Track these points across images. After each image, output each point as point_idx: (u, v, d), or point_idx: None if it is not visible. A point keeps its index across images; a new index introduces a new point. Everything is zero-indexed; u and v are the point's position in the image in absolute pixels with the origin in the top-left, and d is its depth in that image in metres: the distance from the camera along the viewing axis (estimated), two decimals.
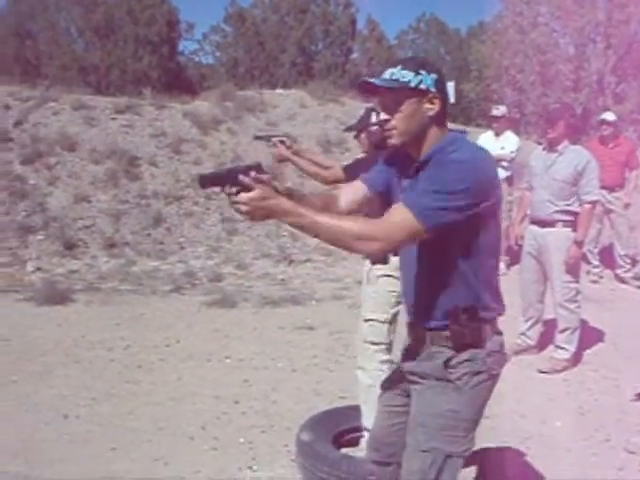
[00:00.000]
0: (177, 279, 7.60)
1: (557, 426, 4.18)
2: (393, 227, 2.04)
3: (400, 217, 2.03)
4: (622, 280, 8.02)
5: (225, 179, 2.01)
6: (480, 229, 2.12)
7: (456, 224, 2.04)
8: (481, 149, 2.23)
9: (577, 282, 5.18)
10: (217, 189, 2.04)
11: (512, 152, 7.86)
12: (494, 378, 2.23)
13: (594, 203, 5.08)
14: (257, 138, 4.75)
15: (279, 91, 13.02)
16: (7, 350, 5.33)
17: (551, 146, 5.15)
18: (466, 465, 3.31)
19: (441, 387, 2.20)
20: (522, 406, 4.43)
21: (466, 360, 2.18)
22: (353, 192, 2.40)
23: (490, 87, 17.08)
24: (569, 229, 5.02)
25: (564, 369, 5.11)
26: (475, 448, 2.31)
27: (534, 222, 5.24)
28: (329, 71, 25.52)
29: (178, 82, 22.37)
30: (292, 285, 7.67)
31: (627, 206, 7.83)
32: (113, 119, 10.60)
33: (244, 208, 1.97)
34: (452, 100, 2.40)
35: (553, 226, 5.07)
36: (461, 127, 9.18)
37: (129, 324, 6.09)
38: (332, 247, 7.03)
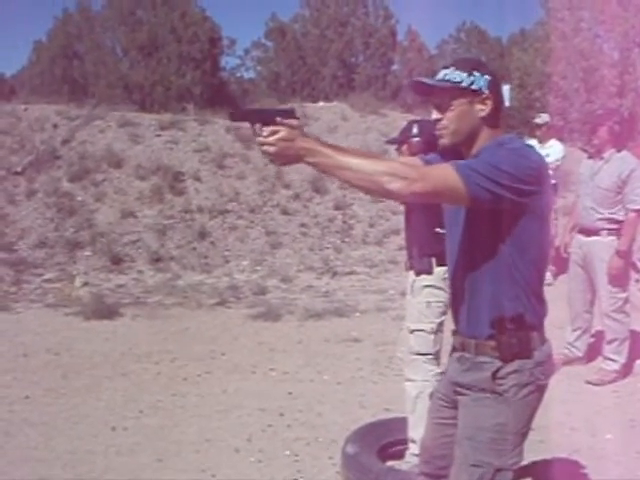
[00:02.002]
0: (222, 292, 7.66)
1: (607, 438, 4.08)
2: (432, 172, 2.04)
3: (442, 168, 2.03)
4: None
5: (256, 117, 2.02)
6: (526, 228, 2.08)
7: (498, 211, 2.03)
8: (532, 147, 2.22)
9: (624, 292, 5.04)
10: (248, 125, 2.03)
11: (557, 160, 7.76)
12: (542, 389, 2.19)
13: (639, 212, 4.90)
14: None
15: (321, 104, 13.10)
16: (57, 363, 5.43)
17: (596, 153, 5.05)
18: (517, 478, 3.27)
19: (488, 399, 2.16)
20: (571, 418, 4.34)
21: (514, 371, 2.13)
22: (408, 162, 2.37)
23: (533, 95, 16.90)
24: (614, 237, 4.91)
25: (613, 380, 4.98)
26: (525, 461, 2.27)
27: (580, 231, 5.14)
28: (370, 83, 25.51)
29: (220, 97, 22.60)
30: (336, 297, 7.66)
31: None
32: (158, 135, 10.80)
33: (272, 149, 1.95)
34: (507, 103, 2.38)
35: (598, 235, 4.96)
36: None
37: (175, 337, 6.15)
38: (376, 259, 6.95)
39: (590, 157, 5.16)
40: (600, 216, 4.93)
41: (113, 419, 4.33)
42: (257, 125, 1.99)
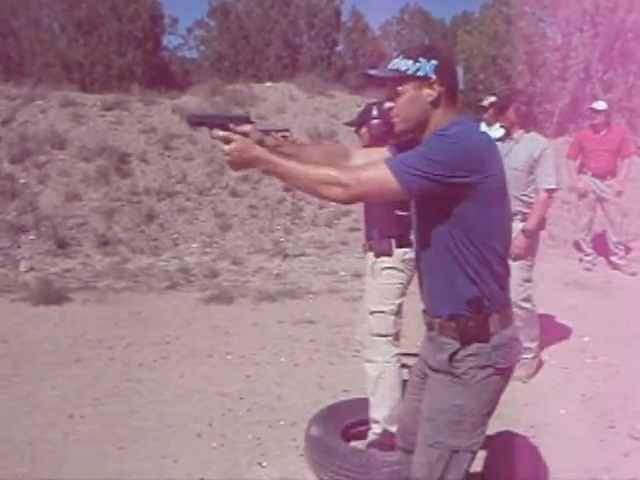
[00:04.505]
0: (173, 275, 7.57)
1: (561, 414, 4.21)
2: (364, 175, 2.12)
3: (374, 169, 2.12)
4: (615, 267, 8.07)
5: (212, 122, 2.26)
6: (471, 211, 2.12)
7: (441, 197, 2.09)
8: (480, 132, 2.26)
9: (530, 281, 4.86)
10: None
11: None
12: (503, 372, 2.22)
13: (550, 192, 4.74)
14: (259, 132, 4.72)
15: (268, 84, 12.98)
16: (6, 351, 5.30)
17: (506, 135, 4.88)
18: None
19: (448, 381, 2.22)
20: (524, 394, 4.45)
21: (472, 354, 2.18)
22: (372, 154, 2.42)
23: (478, 77, 17.12)
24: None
25: (537, 370, 4.90)
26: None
27: None
28: (315, 64, 25.43)
29: (163, 77, 22.21)
30: (288, 279, 7.66)
31: (619, 194, 7.87)
32: (102, 116, 10.54)
33: (227, 158, 2.19)
34: (460, 86, 2.42)
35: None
36: None
37: (127, 322, 6.06)
38: (327, 240, 6.98)
39: (501, 139, 4.94)
40: (512, 199, 4.72)
41: (69, 407, 4.25)
42: (214, 130, 2.22)
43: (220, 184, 9.90)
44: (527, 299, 4.82)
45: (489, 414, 2.26)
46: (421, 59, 2.19)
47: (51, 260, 8.05)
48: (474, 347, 2.18)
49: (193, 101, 11.52)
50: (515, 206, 4.60)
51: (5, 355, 5.21)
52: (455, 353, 2.19)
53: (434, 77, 2.18)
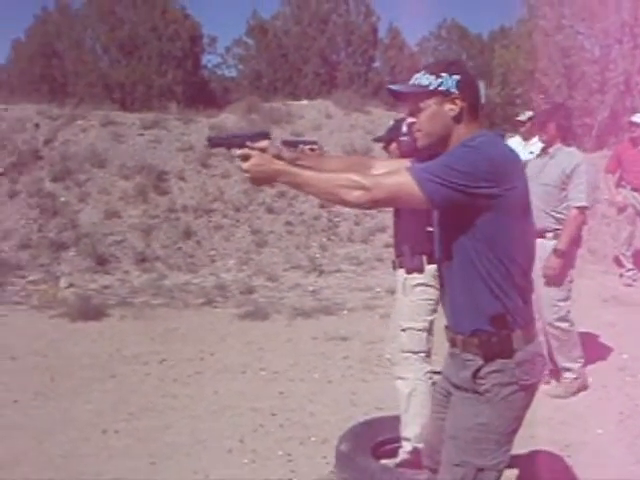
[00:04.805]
0: (208, 292, 7.64)
1: (598, 433, 4.12)
2: (386, 179, 2.13)
3: (397, 173, 2.12)
4: None
5: (230, 142, 2.33)
6: (494, 224, 2.10)
7: (464, 208, 2.07)
8: (504, 145, 2.25)
9: (566, 300, 4.69)
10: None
11: None
12: (527, 389, 2.19)
13: (582, 209, 4.59)
14: (285, 143, 4.76)
15: (304, 102, 13.06)
16: (44, 366, 5.38)
17: (544, 150, 4.83)
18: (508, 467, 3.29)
19: (471, 399, 2.19)
20: (560, 413, 4.38)
21: (495, 371, 2.15)
22: (394, 165, 2.41)
23: (515, 92, 17.00)
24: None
25: (578, 390, 4.74)
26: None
27: None
28: (352, 80, 25.51)
29: (202, 96, 22.52)
30: (323, 295, 7.67)
31: None
32: (140, 134, 10.71)
33: (246, 174, 2.20)
34: (482, 100, 2.42)
35: (543, 237, 4.53)
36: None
37: (163, 338, 6.12)
38: (362, 257, 6.95)
39: (538, 155, 4.92)
40: (544, 215, 4.56)
41: (103, 422, 4.29)
42: (233, 150, 2.27)
43: (257, 201, 9.96)
44: (563, 319, 4.69)
45: (514, 432, 2.22)
46: (443, 74, 2.19)
47: (90, 276, 8.18)
48: (497, 363, 2.15)
49: (230, 119, 11.64)
50: (547, 222, 4.61)
51: (43, 370, 5.29)
52: (478, 370, 2.17)
53: (456, 92, 2.18)
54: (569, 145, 4.80)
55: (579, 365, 4.81)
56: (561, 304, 4.68)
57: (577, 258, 4.81)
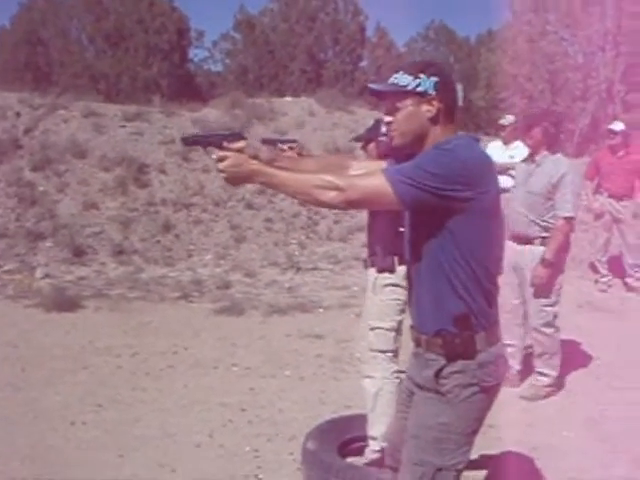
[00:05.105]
0: (185, 286, 7.62)
1: (564, 436, 4.16)
2: (361, 182, 2.15)
3: (371, 176, 2.15)
4: (631, 289, 7.99)
5: (206, 142, 2.35)
6: (464, 227, 2.12)
7: (435, 210, 2.09)
8: (479, 149, 2.26)
9: (554, 305, 4.74)
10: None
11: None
12: (489, 390, 2.21)
13: (569, 220, 4.59)
14: (265, 142, 4.75)
15: (288, 99, 13.06)
16: (15, 356, 5.35)
17: (530, 156, 4.81)
18: (479, 468, 3.34)
19: (433, 399, 2.21)
20: (528, 416, 4.42)
21: (457, 372, 2.18)
22: (371, 166, 2.44)
23: (499, 96, 17.09)
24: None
25: (547, 395, 4.78)
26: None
27: (512, 238, 4.74)
28: (338, 79, 25.56)
29: (188, 90, 22.44)
30: (299, 293, 7.67)
31: (636, 215, 7.81)
32: (122, 126, 10.66)
33: (222, 175, 2.19)
34: (460, 103, 2.43)
35: (530, 243, 4.65)
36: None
37: (137, 331, 6.10)
38: (340, 255, 6.93)
39: (524, 161, 4.91)
40: (531, 223, 4.64)
41: (72, 413, 4.28)
42: (209, 149, 2.30)
43: (237, 197, 9.95)
44: (549, 324, 4.73)
45: (474, 432, 2.25)
46: (421, 75, 2.20)
47: (66, 268, 8.13)
48: (460, 364, 2.18)
49: (213, 114, 11.62)
50: (533, 230, 4.66)
51: (14, 360, 5.26)
52: (440, 370, 2.19)
53: (433, 94, 2.20)
54: (555, 152, 4.77)
55: (555, 374, 4.84)
56: (548, 309, 4.72)
57: (565, 264, 4.82)
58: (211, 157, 2.25)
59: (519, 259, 4.71)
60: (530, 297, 4.70)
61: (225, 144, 2.26)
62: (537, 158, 4.73)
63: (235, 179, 2.20)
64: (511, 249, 4.72)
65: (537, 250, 4.62)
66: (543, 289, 4.64)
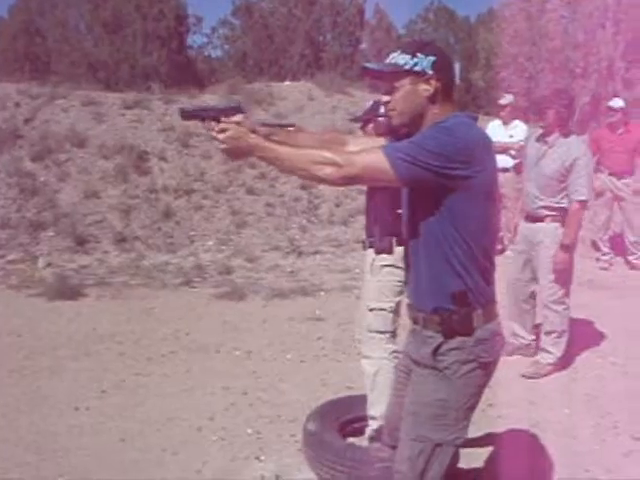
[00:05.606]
0: (187, 272, 7.64)
1: (565, 413, 4.19)
2: (360, 157, 2.14)
3: (370, 153, 2.14)
4: (633, 267, 7.99)
5: (204, 115, 2.29)
6: (461, 205, 2.13)
7: (433, 188, 2.10)
8: (476, 127, 2.26)
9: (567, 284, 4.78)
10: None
11: (520, 141, 7.82)
12: (486, 366, 2.24)
13: (583, 203, 4.62)
14: (264, 126, 4.74)
15: (287, 83, 13.03)
16: (19, 345, 5.39)
17: (543, 137, 4.78)
18: (481, 446, 3.37)
19: (431, 375, 2.23)
20: (529, 393, 4.44)
21: (455, 348, 2.20)
22: (369, 143, 2.42)
23: (499, 75, 17.01)
24: (558, 224, 4.66)
25: (547, 374, 4.78)
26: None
27: (525, 217, 4.90)
28: (338, 62, 25.41)
29: (187, 76, 22.34)
30: (301, 277, 7.69)
31: (637, 193, 7.80)
32: (122, 114, 10.66)
33: (222, 146, 2.20)
34: (457, 81, 2.43)
35: (542, 221, 4.72)
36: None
37: (139, 317, 6.14)
38: (342, 238, 6.94)
39: (538, 140, 4.86)
40: (543, 204, 4.71)
41: (76, 399, 4.32)
42: (207, 122, 2.24)
43: (237, 182, 9.96)
44: (558, 301, 4.76)
45: (472, 408, 2.27)
46: (419, 54, 2.21)
47: (69, 256, 8.16)
48: (457, 341, 2.20)
49: (212, 100, 11.59)
50: (543, 211, 4.72)
51: (19, 349, 5.30)
52: (438, 347, 2.21)
53: (431, 73, 2.20)
54: (567, 134, 4.72)
55: (559, 355, 4.85)
56: (558, 286, 4.75)
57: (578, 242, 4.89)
58: (208, 132, 2.25)
59: (532, 236, 4.79)
60: (542, 274, 4.75)
61: (223, 118, 2.23)
62: (549, 139, 4.72)
63: (235, 152, 2.21)
64: (523, 228, 4.89)
65: (548, 227, 4.69)
66: (565, 274, 4.70)
